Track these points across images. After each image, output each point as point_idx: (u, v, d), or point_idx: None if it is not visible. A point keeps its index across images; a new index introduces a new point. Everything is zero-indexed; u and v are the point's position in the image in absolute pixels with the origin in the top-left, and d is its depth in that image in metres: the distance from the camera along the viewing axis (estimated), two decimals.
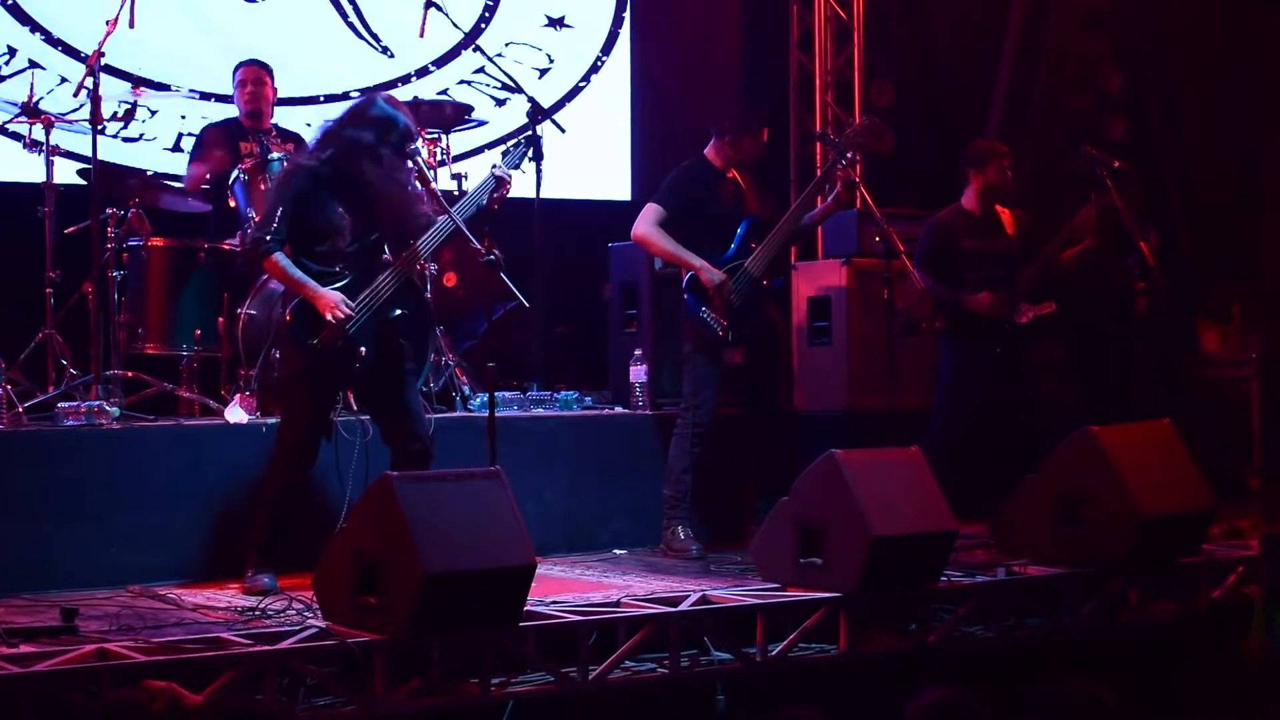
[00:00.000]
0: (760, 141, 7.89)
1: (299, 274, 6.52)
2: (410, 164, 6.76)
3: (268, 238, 6.50)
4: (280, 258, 6.51)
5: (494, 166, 7.00)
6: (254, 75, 8.61)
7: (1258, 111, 11.50)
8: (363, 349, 6.55)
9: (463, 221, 6.66)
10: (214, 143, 8.51)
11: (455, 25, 8.79)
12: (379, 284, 6.61)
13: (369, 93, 6.83)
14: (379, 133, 6.59)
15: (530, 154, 7.39)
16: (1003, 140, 9.10)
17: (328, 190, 6.57)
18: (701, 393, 7.76)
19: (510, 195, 8.76)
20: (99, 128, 7.56)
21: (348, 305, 6.50)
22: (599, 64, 10.68)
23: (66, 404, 7.14)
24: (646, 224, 7.78)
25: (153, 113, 8.35)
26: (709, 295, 7.64)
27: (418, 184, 6.89)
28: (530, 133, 7.58)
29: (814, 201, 7.94)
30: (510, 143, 7.39)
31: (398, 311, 6.65)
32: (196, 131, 8.99)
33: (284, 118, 8.93)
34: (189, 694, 4.68)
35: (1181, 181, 11.21)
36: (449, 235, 6.77)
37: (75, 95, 7.69)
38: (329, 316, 6.46)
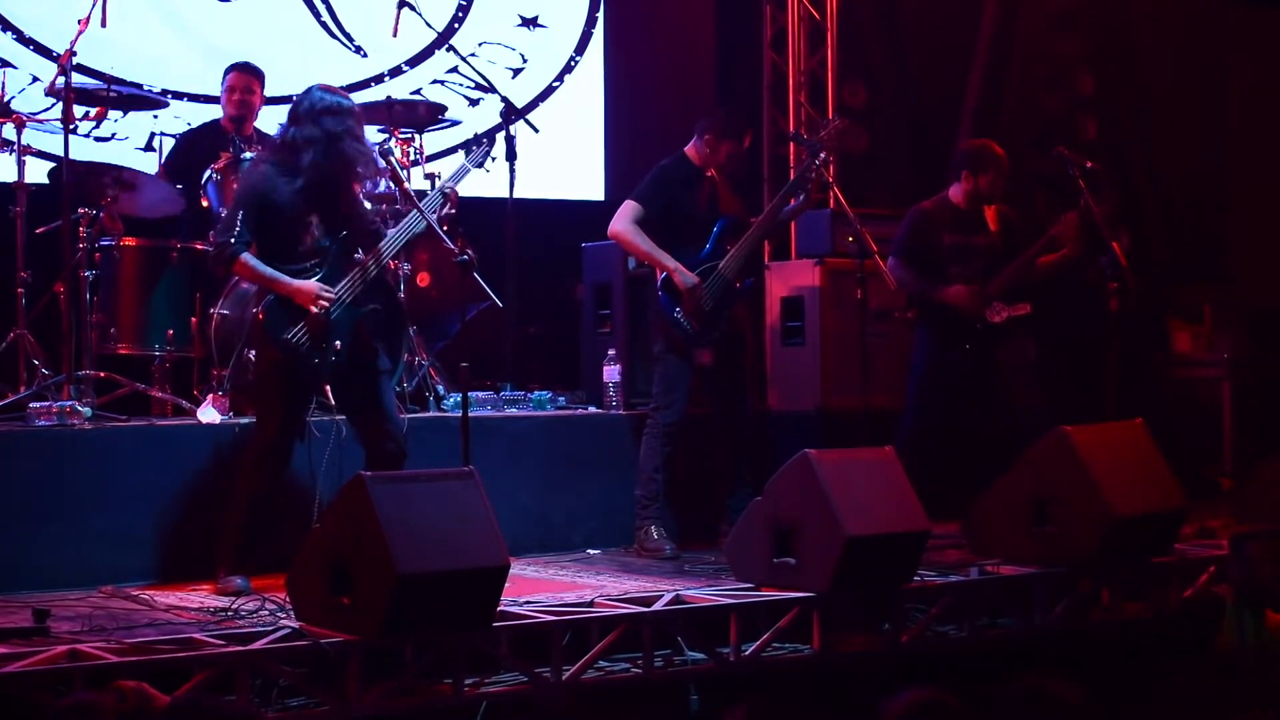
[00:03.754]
0: (740, 149, 7.90)
1: (270, 271, 6.54)
2: (360, 146, 6.77)
3: (232, 240, 6.52)
4: (248, 258, 6.53)
5: (443, 181, 7.04)
6: (244, 83, 8.59)
7: (1227, 111, 11.57)
8: (338, 343, 6.56)
9: (430, 218, 6.67)
10: (186, 153, 8.53)
11: (428, 25, 8.81)
12: (352, 278, 6.61)
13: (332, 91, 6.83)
14: (343, 120, 6.61)
15: (492, 154, 7.37)
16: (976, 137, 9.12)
17: (286, 187, 6.58)
18: (672, 392, 7.77)
19: (484, 195, 8.80)
20: (70, 127, 7.52)
21: (327, 291, 6.51)
22: (572, 64, 10.68)
23: (38, 404, 7.11)
24: (624, 221, 7.79)
25: (125, 112, 8.31)
26: (682, 296, 7.65)
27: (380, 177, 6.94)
28: (492, 134, 7.55)
29: (787, 203, 7.95)
30: (474, 142, 7.38)
31: (371, 306, 6.66)
32: (169, 131, 8.96)
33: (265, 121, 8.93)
34: (159, 694, 4.68)
35: (1152, 182, 11.25)
36: (417, 234, 6.80)
37: (47, 94, 7.66)
38: (312, 308, 6.47)
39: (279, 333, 6.52)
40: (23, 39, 8.90)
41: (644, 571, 7.28)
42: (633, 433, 8.17)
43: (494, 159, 7.44)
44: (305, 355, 6.53)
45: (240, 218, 6.54)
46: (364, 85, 9.78)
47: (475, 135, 7.67)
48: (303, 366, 6.55)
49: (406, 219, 6.80)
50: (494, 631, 5.64)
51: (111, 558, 6.85)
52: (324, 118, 6.59)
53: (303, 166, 6.56)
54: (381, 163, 6.92)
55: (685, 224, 7.80)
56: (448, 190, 6.96)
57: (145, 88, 8.88)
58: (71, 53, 7.60)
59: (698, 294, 7.64)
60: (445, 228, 6.92)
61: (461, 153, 7.73)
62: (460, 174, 7.14)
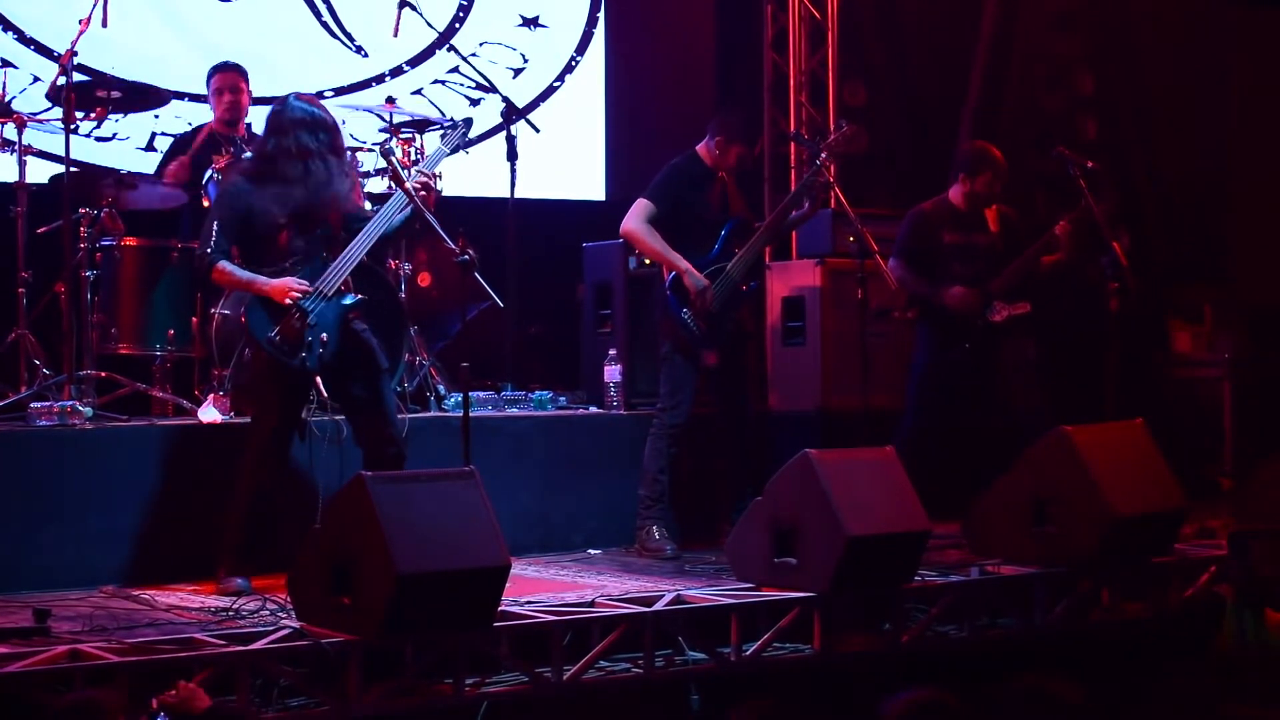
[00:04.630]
0: (748, 155, 7.91)
1: (245, 274, 6.59)
2: (339, 158, 6.77)
3: (209, 250, 6.59)
4: (225, 264, 6.58)
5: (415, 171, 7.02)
6: (230, 82, 8.59)
7: (1227, 111, 11.57)
8: (324, 335, 6.55)
9: (420, 205, 6.65)
10: (184, 150, 8.54)
11: (429, 25, 8.80)
12: (332, 269, 6.61)
13: (340, 93, 6.83)
14: (307, 132, 6.64)
15: (469, 134, 7.32)
16: (976, 139, 9.12)
17: (261, 194, 6.62)
18: (678, 393, 7.76)
19: (485, 195, 8.80)
20: (71, 127, 7.52)
21: (300, 284, 6.52)
22: (573, 64, 10.68)
23: (39, 404, 7.11)
24: (636, 220, 7.78)
25: (125, 113, 8.31)
26: (690, 297, 7.64)
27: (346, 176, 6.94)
28: (469, 117, 7.49)
29: (796, 208, 7.95)
30: (448, 125, 7.33)
31: (353, 298, 6.65)
32: (169, 131, 8.98)
33: (257, 117, 8.91)
34: (205, 696, 4.69)
35: (1152, 182, 11.26)
36: (412, 230, 6.79)
37: (48, 95, 7.66)
38: (285, 301, 6.48)
39: (262, 333, 6.53)
40: (23, 39, 8.91)
41: (645, 571, 7.27)
42: (633, 432, 8.17)
43: (472, 140, 7.37)
44: (290, 353, 6.53)
45: (216, 228, 6.61)
46: (364, 85, 9.78)
47: (450, 118, 7.59)
48: (288, 364, 6.55)
49: (384, 208, 6.79)
50: (494, 631, 5.64)
51: (112, 558, 6.85)
52: (299, 132, 6.63)
53: (277, 178, 6.61)
54: (383, 163, 6.91)
55: (695, 224, 7.79)
56: (427, 176, 6.93)
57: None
58: (72, 53, 7.60)
59: (707, 295, 7.64)
60: (432, 210, 6.88)
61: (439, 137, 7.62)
62: (436, 158, 7.12)
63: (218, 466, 6.96)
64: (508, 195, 8.62)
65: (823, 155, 7.86)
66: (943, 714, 4.03)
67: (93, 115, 7.80)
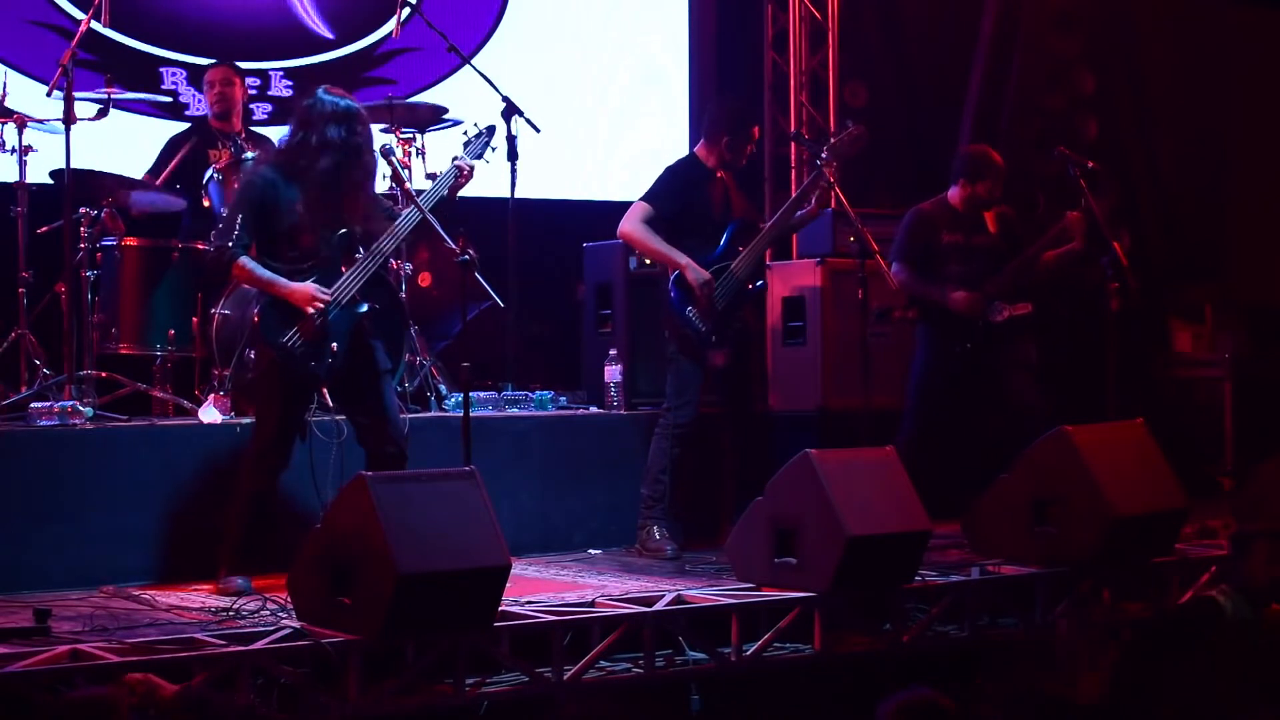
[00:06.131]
0: (739, 140, 7.82)
1: (267, 273, 6.53)
2: (367, 149, 6.74)
3: (230, 244, 6.51)
4: (246, 261, 6.53)
5: (455, 158, 6.98)
6: (221, 76, 8.61)
7: (1228, 111, 11.58)
8: (334, 344, 6.54)
9: (428, 214, 6.64)
10: (170, 154, 8.56)
11: (430, 25, 8.78)
12: (348, 278, 6.60)
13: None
14: (336, 126, 6.59)
15: (492, 144, 7.31)
16: (976, 140, 9.14)
17: (287, 190, 6.56)
18: (684, 394, 7.74)
19: (485, 195, 8.79)
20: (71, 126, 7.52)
21: (323, 293, 6.50)
22: None
23: (40, 404, 7.11)
24: (633, 221, 7.76)
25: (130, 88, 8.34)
26: (694, 294, 7.63)
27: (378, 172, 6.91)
28: (492, 125, 7.48)
29: (800, 208, 7.94)
30: (472, 133, 7.31)
31: (367, 306, 6.64)
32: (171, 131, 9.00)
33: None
34: (166, 684, 4.67)
35: (1152, 181, 11.26)
36: (416, 229, 6.76)
37: (48, 95, 7.67)
38: (308, 309, 6.46)
39: (274, 337, 6.51)
40: None
41: (645, 571, 7.27)
42: (634, 433, 8.17)
43: (494, 149, 7.37)
44: (300, 359, 6.52)
45: (239, 221, 6.54)
46: (364, 84, 9.77)
47: (476, 125, 7.55)
48: (299, 370, 6.54)
49: (401, 218, 6.77)
50: (495, 631, 5.64)
51: (112, 558, 6.85)
52: (339, 124, 6.57)
53: (313, 171, 6.54)
54: (384, 163, 6.91)
55: (699, 224, 7.77)
56: (461, 164, 6.90)
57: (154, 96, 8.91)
58: (73, 52, 7.60)
59: (710, 290, 7.61)
60: (454, 199, 6.85)
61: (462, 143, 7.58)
62: (452, 174, 7.07)
63: (217, 467, 6.97)
64: (508, 195, 8.62)
65: (823, 155, 7.84)
66: (939, 715, 4.03)
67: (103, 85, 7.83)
